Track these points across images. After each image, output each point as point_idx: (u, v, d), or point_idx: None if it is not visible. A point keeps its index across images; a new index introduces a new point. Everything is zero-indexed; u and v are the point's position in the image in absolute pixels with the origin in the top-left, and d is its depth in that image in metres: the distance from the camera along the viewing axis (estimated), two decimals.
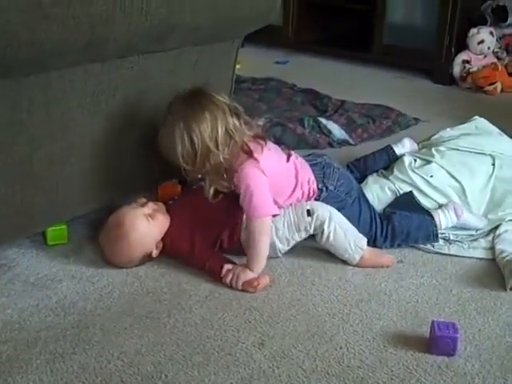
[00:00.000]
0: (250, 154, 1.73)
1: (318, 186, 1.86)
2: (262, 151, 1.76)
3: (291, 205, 1.81)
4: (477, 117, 2.32)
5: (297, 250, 1.82)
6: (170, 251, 1.80)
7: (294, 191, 1.83)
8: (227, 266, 1.72)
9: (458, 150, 2.11)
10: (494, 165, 2.07)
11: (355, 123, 2.82)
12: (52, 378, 1.37)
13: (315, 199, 1.85)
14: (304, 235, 1.79)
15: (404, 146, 2.23)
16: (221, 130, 1.70)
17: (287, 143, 2.61)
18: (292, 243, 1.80)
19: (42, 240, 1.87)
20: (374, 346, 1.50)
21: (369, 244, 1.85)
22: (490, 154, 2.10)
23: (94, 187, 1.83)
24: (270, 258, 1.77)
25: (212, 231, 1.79)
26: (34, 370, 1.39)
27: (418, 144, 2.26)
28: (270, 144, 1.84)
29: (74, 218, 1.86)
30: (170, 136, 1.71)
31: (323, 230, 1.77)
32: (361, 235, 1.81)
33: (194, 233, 1.78)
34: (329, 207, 1.80)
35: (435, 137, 2.26)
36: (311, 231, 1.78)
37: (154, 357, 1.44)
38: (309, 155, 1.97)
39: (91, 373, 1.39)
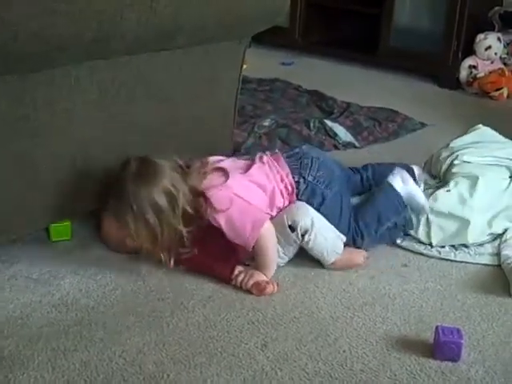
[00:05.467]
0: (206, 192, 1.69)
1: (294, 178, 1.80)
2: (225, 179, 1.72)
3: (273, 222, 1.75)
4: (480, 125, 2.28)
5: (300, 252, 1.81)
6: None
7: (274, 196, 1.77)
8: (239, 268, 1.71)
9: (471, 163, 2.05)
10: (511, 177, 2.02)
11: (361, 126, 2.81)
12: (53, 374, 1.37)
13: (296, 194, 1.80)
14: (297, 246, 1.77)
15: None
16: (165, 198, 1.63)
17: (292, 145, 2.61)
18: (290, 256, 1.79)
19: (45, 236, 1.86)
20: (378, 349, 1.49)
21: (350, 246, 1.83)
22: (505, 166, 2.05)
23: (97, 184, 1.82)
24: None
25: (224, 243, 1.74)
26: (36, 366, 1.39)
27: (424, 165, 2.19)
28: (227, 162, 1.81)
29: (78, 214, 1.86)
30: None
31: (304, 238, 1.74)
32: (339, 240, 1.78)
33: (203, 239, 1.72)
34: (310, 211, 1.75)
35: (441, 156, 2.13)
36: (298, 242, 1.75)
37: (156, 356, 1.44)
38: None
39: (93, 370, 1.38)
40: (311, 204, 1.79)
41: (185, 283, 1.70)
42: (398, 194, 1.91)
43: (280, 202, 1.79)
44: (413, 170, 2.07)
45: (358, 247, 1.85)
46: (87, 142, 1.75)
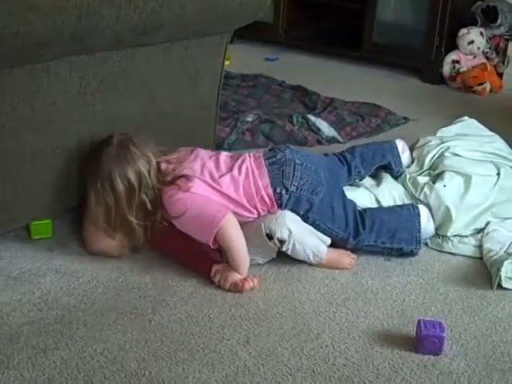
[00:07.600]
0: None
1: (275, 189, 1.74)
2: (188, 187, 1.70)
3: (251, 226, 1.74)
4: (466, 117, 2.29)
5: None
6: (156, 245, 1.76)
7: (236, 208, 1.74)
8: (216, 267, 1.70)
9: (461, 156, 2.05)
10: (498, 174, 2.01)
11: (344, 121, 2.81)
12: (34, 373, 1.36)
13: (278, 204, 1.75)
14: (276, 250, 1.75)
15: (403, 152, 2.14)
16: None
17: (276, 140, 2.60)
18: (272, 256, 1.78)
19: (25, 234, 1.84)
20: (360, 344, 1.49)
21: (349, 240, 1.81)
22: (493, 162, 2.05)
23: (78, 181, 1.81)
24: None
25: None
26: (16, 365, 1.37)
27: (412, 149, 2.18)
28: (210, 163, 1.78)
29: (59, 212, 1.84)
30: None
31: (283, 247, 1.73)
32: (321, 244, 1.76)
33: (181, 235, 1.72)
34: (286, 221, 1.72)
35: (431, 143, 2.14)
36: (277, 249, 1.74)
37: (137, 353, 1.43)
38: (270, 150, 1.86)
39: (74, 368, 1.37)
40: (297, 213, 1.77)
41: (167, 280, 1.70)
42: (420, 228, 1.86)
43: (248, 214, 1.75)
44: (397, 147, 2.12)
45: (347, 247, 1.83)
46: (68, 138, 1.73)
